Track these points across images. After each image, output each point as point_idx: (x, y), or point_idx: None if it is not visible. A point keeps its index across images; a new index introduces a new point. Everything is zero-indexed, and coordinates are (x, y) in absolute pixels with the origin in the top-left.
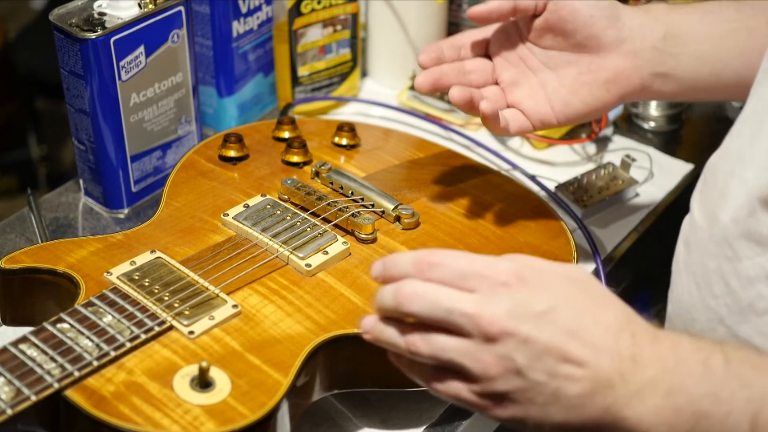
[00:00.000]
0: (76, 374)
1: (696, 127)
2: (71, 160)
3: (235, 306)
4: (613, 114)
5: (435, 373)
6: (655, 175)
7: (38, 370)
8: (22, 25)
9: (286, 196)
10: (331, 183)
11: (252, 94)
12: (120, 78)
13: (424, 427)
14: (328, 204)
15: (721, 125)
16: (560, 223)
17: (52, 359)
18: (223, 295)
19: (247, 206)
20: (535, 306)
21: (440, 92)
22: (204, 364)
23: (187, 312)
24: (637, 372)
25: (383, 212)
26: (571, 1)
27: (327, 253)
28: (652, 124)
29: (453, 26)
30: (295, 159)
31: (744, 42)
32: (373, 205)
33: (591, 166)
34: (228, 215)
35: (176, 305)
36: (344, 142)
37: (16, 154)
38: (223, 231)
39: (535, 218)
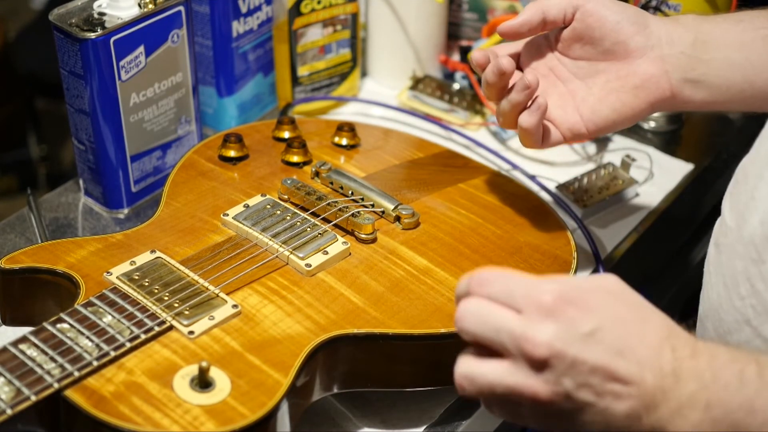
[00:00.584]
0: (76, 374)
1: (696, 127)
2: (71, 160)
3: (235, 306)
4: None
5: (497, 401)
6: (655, 175)
7: (38, 370)
8: (22, 25)
9: (286, 196)
10: (331, 183)
11: (252, 94)
12: (120, 78)
13: (424, 427)
14: (328, 204)
15: (721, 125)
16: (560, 223)
17: (52, 359)
18: (223, 295)
19: (247, 206)
20: (581, 327)
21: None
22: (204, 364)
23: (187, 312)
24: (678, 388)
25: (383, 212)
26: (598, 9)
27: (327, 253)
28: (652, 124)
29: (453, 26)
30: (295, 159)
31: None
32: (373, 205)
33: (591, 166)
34: (228, 215)
35: (176, 305)
36: (344, 142)
37: (16, 154)
38: (223, 231)
39: (535, 218)
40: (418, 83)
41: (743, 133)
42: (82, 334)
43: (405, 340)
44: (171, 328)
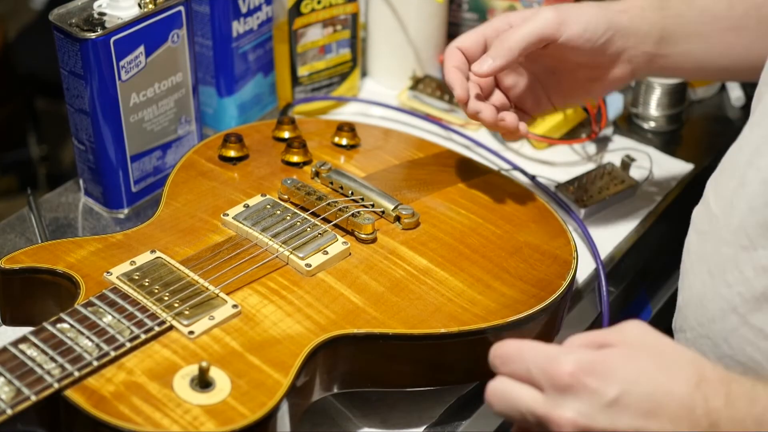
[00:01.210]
0: (76, 374)
1: (696, 127)
2: (71, 160)
3: (235, 306)
4: (613, 114)
5: None
6: (655, 175)
7: (38, 370)
8: (22, 25)
9: (286, 196)
10: (331, 183)
11: (252, 94)
12: (120, 78)
13: (424, 427)
14: (328, 204)
15: (721, 125)
16: (560, 223)
17: (52, 359)
18: (223, 295)
19: (247, 206)
20: (604, 397)
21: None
22: (204, 364)
23: (187, 312)
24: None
25: (383, 212)
26: (566, 54)
27: (327, 253)
28: (652, 124)
29: (453, 26)
30: (295, 159)
31: (733, 40)
32: (373, 205)
33: (591, 166)
34: (228, 215)
35: (176, 305)
36: (344, 142)
37: (16, 154)
38: (223, 231)
39: (535, 218)
40: (418, 83)
41: None
42: (82, 334)
43: (405, 340)
44: (171, 328)
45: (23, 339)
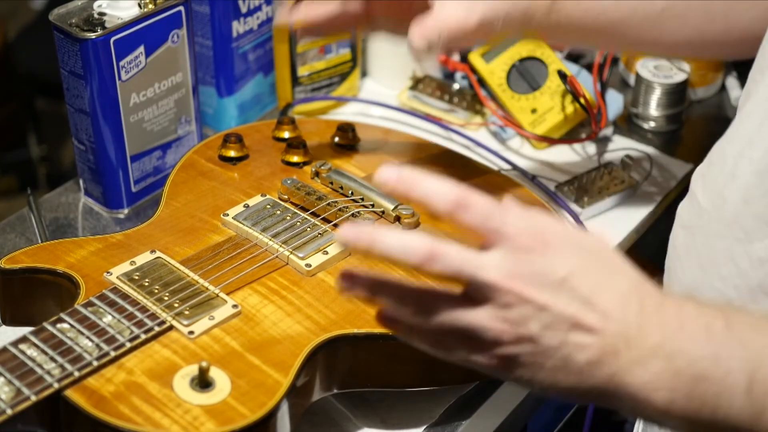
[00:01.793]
0: (76, 374)
1: (696, 127)
2: (71, 160)
3: (235, 306)
4: (613, 114)
5: (439, 338)
6: (655, 175)
7: (38, 370)
8: (22, 25)
9: (286, 196)
10: (331, 183)
11: (252, 94)
12: (120, 78)
13: (424, 427)
14: (328, 204)
15: (721, 125)
16: None
17: (52, 359)
18: (223, 295)
19: (247, 206)
20: (556, 273)
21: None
22: (204, 364)
23: (187, 312)
24: (641, 339)
25: (383, 212)
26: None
27: (327, 253)
28: (652, 124)
29: None
30: (295, 159)
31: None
32: (373, 205)
33: (591, 166)
34: (228, 215)
35: (176, 305)
36: (344, 142)
37: (16, 154)
38: (223, 231)
39: None
40: (418, 83)
41: None
42: (82, 334)
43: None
44: (171, 328)
45: (23, 339)
